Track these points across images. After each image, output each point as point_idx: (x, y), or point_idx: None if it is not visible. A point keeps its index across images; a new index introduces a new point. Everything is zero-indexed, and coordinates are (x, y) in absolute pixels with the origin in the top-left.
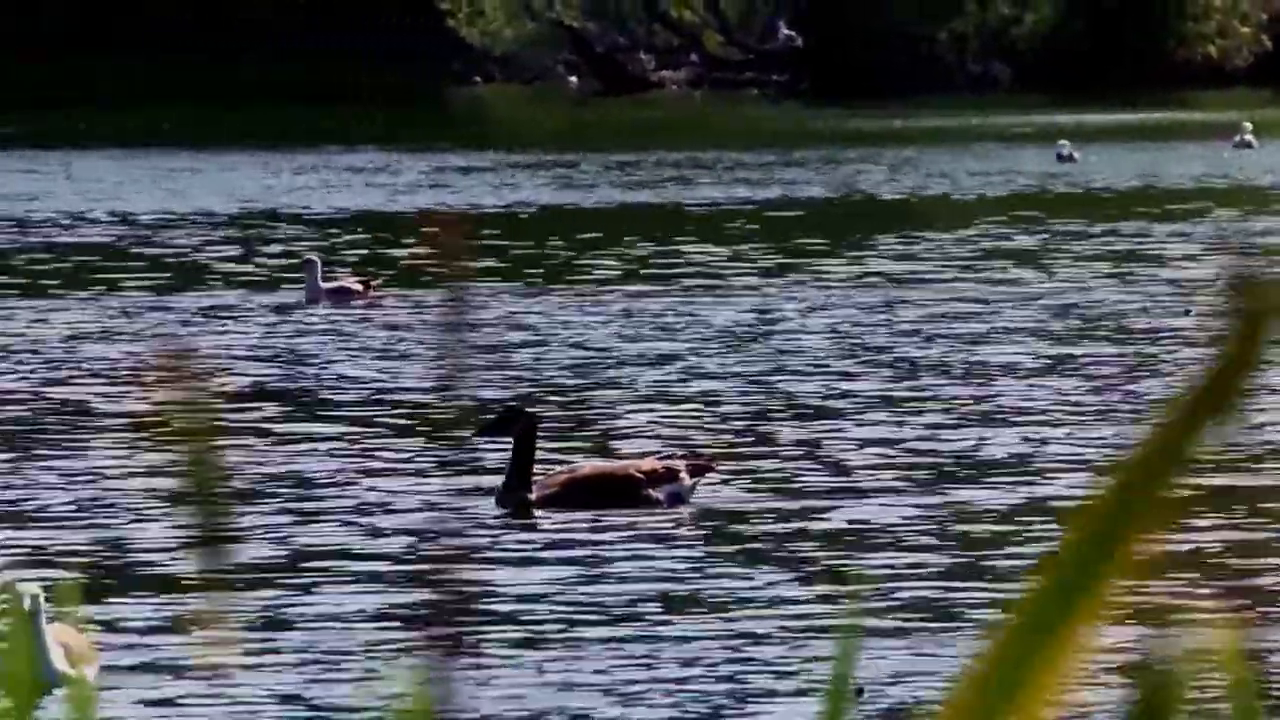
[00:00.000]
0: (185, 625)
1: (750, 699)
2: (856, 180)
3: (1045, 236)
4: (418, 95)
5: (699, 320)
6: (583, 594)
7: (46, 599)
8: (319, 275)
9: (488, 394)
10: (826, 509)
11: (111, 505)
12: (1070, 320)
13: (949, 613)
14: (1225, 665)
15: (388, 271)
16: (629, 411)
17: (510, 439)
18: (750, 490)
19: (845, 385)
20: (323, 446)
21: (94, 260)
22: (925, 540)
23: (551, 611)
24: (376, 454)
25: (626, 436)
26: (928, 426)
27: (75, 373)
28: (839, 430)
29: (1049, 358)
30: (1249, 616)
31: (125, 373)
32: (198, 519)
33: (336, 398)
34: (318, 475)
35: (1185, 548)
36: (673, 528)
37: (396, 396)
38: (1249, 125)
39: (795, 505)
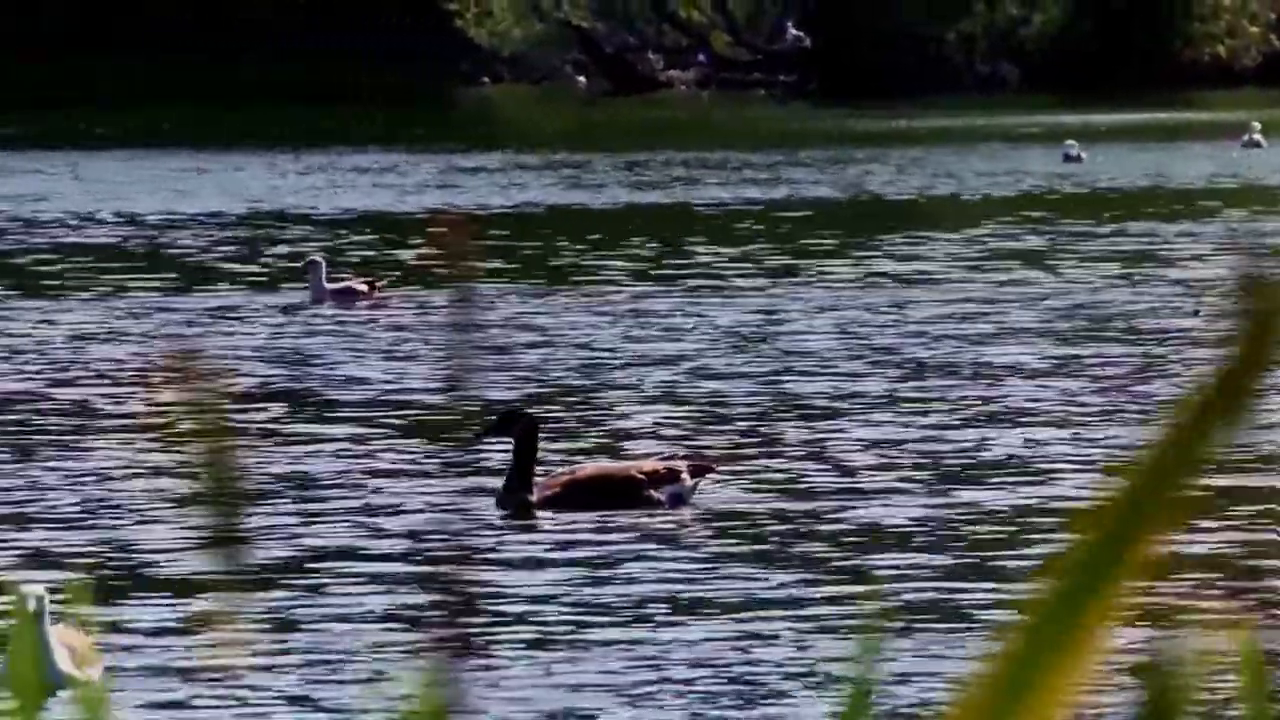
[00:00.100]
0: (193, 626)
1: (758, 700)
2: (864, 180)
3: (1053, 237)
4: (418, 95)
5: (706, 320)
6: (588, 595)
7: (52, 600)
8: (323, 276)
9: (494, 394)
10: (834, 509)
11: (118, 506)
12: (1078, 321)
13: (956, 614)
14: (1235, 667)
15: (394, 272)
16: (636, 412)
17: (511, 440)
18: (758, 491)
19: (852, 385)
20: (326, 448)
21: (100, 261)
22: (932, 541)
23: (557, 613)
24: (381, 455)
25: (634, 437)
26: (934, 427)
27: (82, 373)
28: (846, 431)
29: (1056, 358)
30: (1258, 618)
31: (132, 373)
32: (212, 520)
33: (341, 398)
34: (323, 476)
35: (1193, 549)
36: (679, 529)
37: (401, 397)
38: (1257, 125)
39: (803, 506)
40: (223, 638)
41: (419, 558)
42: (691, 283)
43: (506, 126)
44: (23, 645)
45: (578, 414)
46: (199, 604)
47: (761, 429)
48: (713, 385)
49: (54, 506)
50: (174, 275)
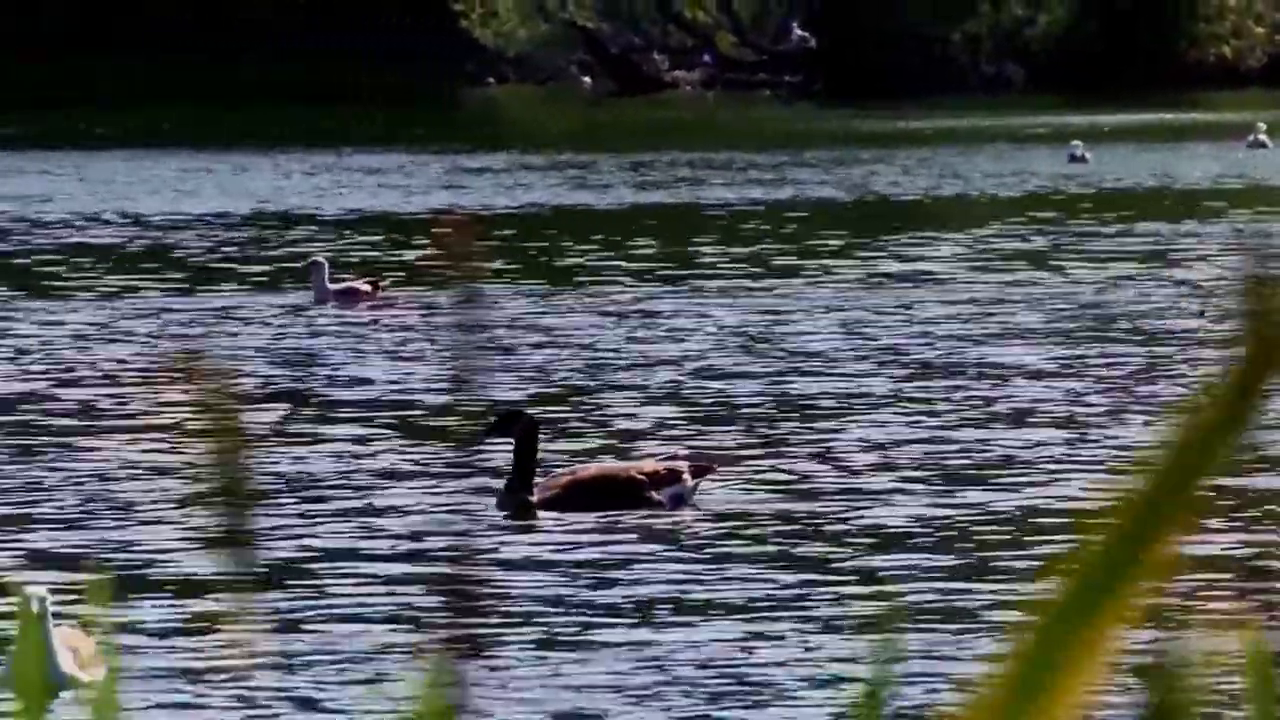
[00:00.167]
0: (197, 627)
1: (762, 700)
2: (869, 181)
3: (1058, 237)
4: (418, 95)
5: (711, 321)
6: (588, 596)
7: (55, 601)
8: (326, 277)
9: (499, 395)
10: (838, 510)
11: (123, 507)
12: (1083, 321)
13: (961, 614)
14: (1241, 668)
15: (398, 273)
16: (641, 412)
17: (511, 440)
18: (761, 491)
19: (857, 386)
20: (328, 448)
21: (103, 261)
22: (936, 541)
23: (557, 613)
24: (384, 455)
25: (639, 437)
26: (939, 427)
27: (86, 374)
28: (850, 431)
29: (1061, 359)
30: (1264, 619)
31: (136, 374)
32: (221, 521)
33: (343, 399)
34: (324, 476)
35: (1200, 549)
36: (682, 529)
37: (404, 398)
38: (1263, 125)
39: (806, 506)
40: (232, 638)
41: (422, 558)
42: (697, 283)
43: (512, 127)
44: (26, 646)
45: (582, 414)
46: (203, 605)
47: (766, 429)
48: (717, 385)
49: (58, 507)
50: (177, 275)
